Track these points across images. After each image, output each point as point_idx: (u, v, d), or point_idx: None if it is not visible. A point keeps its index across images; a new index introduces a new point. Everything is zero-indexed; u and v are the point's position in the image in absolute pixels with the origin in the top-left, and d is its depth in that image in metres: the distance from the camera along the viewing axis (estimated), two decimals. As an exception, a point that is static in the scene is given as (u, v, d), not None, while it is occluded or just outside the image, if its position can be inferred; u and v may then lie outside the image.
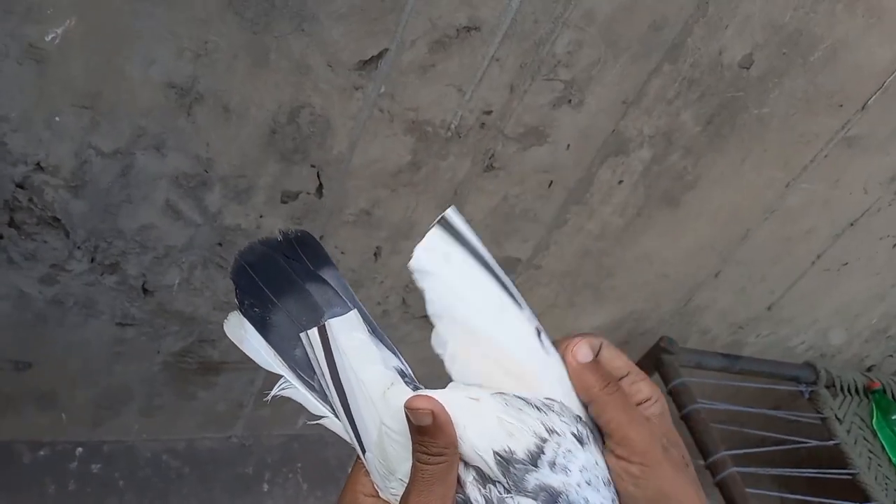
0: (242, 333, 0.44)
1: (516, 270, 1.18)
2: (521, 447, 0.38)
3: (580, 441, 0.39)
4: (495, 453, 0.38)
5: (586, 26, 0.85)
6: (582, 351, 0.40)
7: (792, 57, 0.98)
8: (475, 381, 0.40)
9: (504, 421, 0.39)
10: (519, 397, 0.39)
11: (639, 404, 0.41)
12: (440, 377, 0.44)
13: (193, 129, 0.82)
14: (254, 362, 1.24)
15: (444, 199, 1.01)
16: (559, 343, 0.41)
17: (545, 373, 0.41)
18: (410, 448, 0.38)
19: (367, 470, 0.41)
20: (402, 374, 0.43)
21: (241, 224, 0.94)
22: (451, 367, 0.40)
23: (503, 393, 0.40)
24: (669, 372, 1.33)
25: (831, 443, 1.41)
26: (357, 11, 0.76)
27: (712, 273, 1.34)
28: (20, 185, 0.81)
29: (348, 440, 0.42)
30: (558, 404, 0.40)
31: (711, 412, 1.29)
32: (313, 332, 0.42)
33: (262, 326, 0.43)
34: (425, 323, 1.28)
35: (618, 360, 0.42)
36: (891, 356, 1.77)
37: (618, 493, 0.38)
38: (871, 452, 1.42)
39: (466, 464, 0.39)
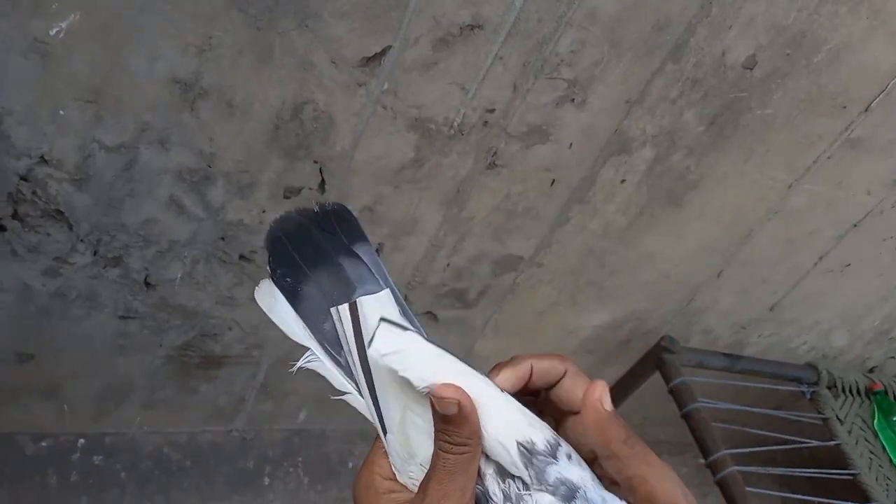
0: (272, 302, 0.43)
1: (518, 268, 1.18)
2: (541, 439, 0.38)
3: None
4: (518, 444, 0.37)
5: (590, 26, 0.85)
6: (608, 398, 0.37)
7: (795, 58, 0.97)
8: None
9: (526, 412, 0.39)
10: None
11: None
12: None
13: (197, 125, 0.82)
14: (254, 357, 1.24)
15: (447, 197, 1.01)
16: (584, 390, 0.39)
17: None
18: (432, 434, 0.37)
19: (385, 451, 0.41)
20: None
21: (243, 219, 0.94)
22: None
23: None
24: (670, 371, 1.33)
25: (832, 443, 1.41)
26: (360, 8, 0.77)
27: (715, 273, 1.34)
28: (24, 178, 0.81)
29: (370, 419, 0.42)
30: None
31: (713, 412, 1.30)
32: (344, 308, 0.41)
33: (293, 297, 0.43)
34: (427, 320, 1.28)
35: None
36: (893, 358, 1.77)
37: None
38: (872, 453, 1.43)
39: (487, 457, 0.38)
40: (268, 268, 0.43)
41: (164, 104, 0.79)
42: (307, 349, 0.43)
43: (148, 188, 0.87)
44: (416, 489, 0.39)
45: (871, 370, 1.75)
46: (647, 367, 1.40)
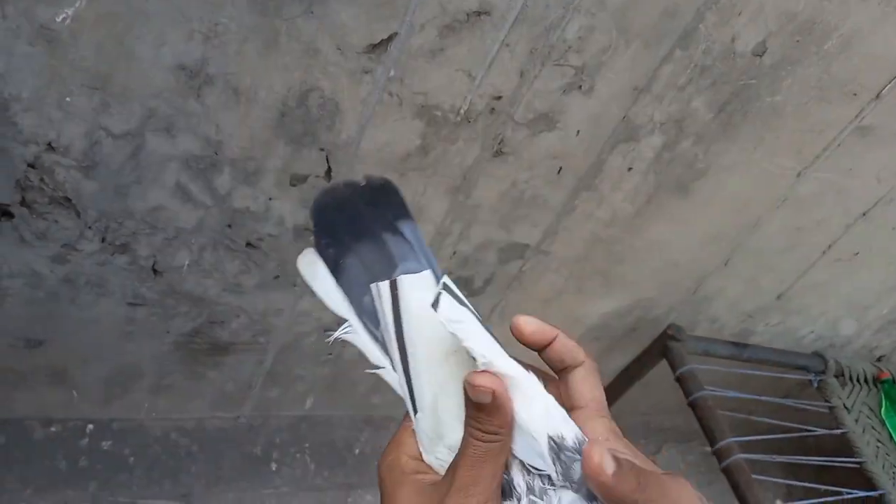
0: (314, 271, 0.44)
1: (524, 256, 1.18)
2: (571, 435, 0.38)
3: None
4: (550, 438, 0.37)
5: (598, 12, 0.85)
6: (608, 460, 0.34)
7: (806, 45, 0.96)
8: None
9: (559, 407, 0.39)
10: None
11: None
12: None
13: (203, 112, 0.82)
14: (261, 343, 1.24)
15: (453, 184, 1.01)
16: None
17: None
18: (463, 418, 0.37)
19: (413, 431, 0.41)
20: None
21: (250, 206, 0.94)
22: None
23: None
24: (676, 359, 1.33)
25: (839, 431, 1.41)
26: (367, -6, 0.76)
27: (722, 261, 1.33)
28: (31, 165, 0.81)
29: (401, 396, 0.42)
30: None
31: (719, 400, 1.30)
32: (384, 286, 0.41)
33: (335, 268, 0.43)
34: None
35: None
36: (901, 347, 1.77)
37: None
38: (878, 441, 1.42)
39: (514, 447, 0.38)
40: (312, 237, 0.44)
41: (170, 91, 0.79)
42: (345, 321, 0.43)
43: (154, 175, 0.87)
44: (441, 471, 0.39)
45: (878, 359, 1.74)
46: (654, 355, 1.40)
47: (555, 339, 0.41)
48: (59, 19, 0.69)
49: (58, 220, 0.88)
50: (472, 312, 0.39)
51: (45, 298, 0.97)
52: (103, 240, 0.92)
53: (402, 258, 0.43)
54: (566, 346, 0.42)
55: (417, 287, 0.42)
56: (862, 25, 0.96)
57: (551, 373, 0.42)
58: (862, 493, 1.35)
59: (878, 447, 1.42)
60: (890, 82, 1.05)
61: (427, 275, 0.42)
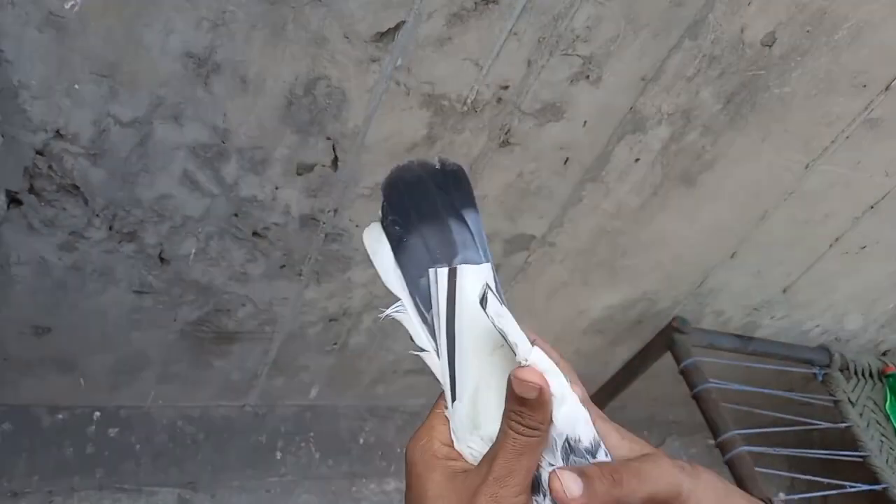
0: (377, 246, 0.44)
1: (530, 247, 1.18)
2: (587, 437, 0.39)
3: None
4: (566, 439, 0.38)
5: (606, 1, 0.84)
6: (571, 484, 0.36)
7: (815, 35, 0.96)
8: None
9: (582, 407, 0.39)
10: None
11: None
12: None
13: (211, 100, 0.82)
14: (267, 333, 1.24)
15: (460, 175, 1.01)
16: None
17: None
18: (502, 411, 0.38)
19: (445, 418, 0.41)
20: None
21: (256, 195, 0.95)
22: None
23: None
24: (681, 351, 1.33)
25: (843, 425, 1.41)
26: (375, -17, 0.76)
27: (728, 254, 1.33)
28: (40, 153, 0.82)
29: (441, 381, 0.42)
30: None
31: (723, 393, 1.30)
32: (443, 272, 0.42)
33: (397, 245, 0.43)
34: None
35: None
36: (907, 341, 1.76)
37: None
38: (883, 436, 1.42)
39: None
40: (380, 211, 0.44)
41: (178, 79, 0.79)
42: (397, 299, 0.43)
43: (162, 163, 0.87)
44: (471, 460, 0.40)
45: (884, 353, 1.74)
46: (658, 348, 1.40)
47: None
48: (67, 6, 0.70)
49: (66, 208, 0.88)
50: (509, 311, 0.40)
51: (53, 286, 0.98)
52: (111, 228, 0.93)
53: (463, 246, 0.43)
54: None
55: (476, 278, 0.42)
56: (872, 16, 0.95)
57: (574, 374, 0.42)
58: (865, 487, 1.35)
59: (882, 441, 1.42)
60: (900, 74, 1.04)
61: (487, 268, 0.43)
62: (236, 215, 0.97)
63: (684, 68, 0.95)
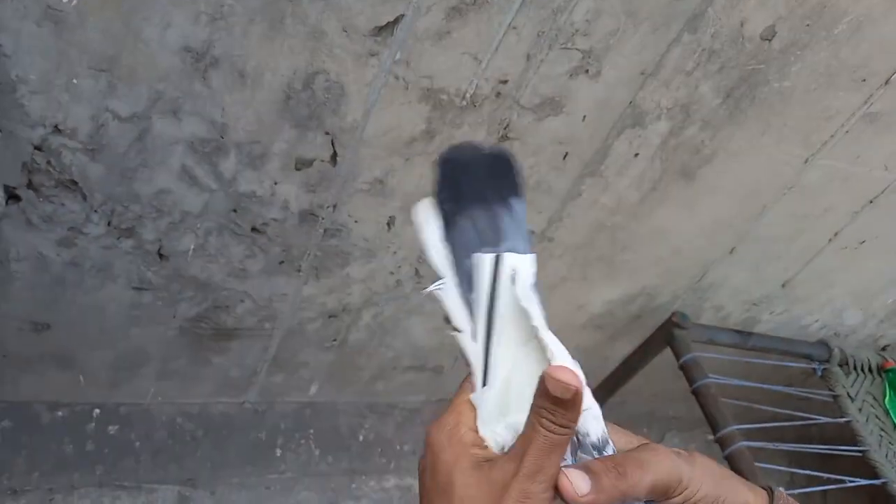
0: (426, 222, 0.44)
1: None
2: (596, 433, 0.39)
3: None
4: (576, 432, 0.39)
5: (605, -6, 0.84)
6: (579, 481, 0.37)
7: (815, 29, 0.96)
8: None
9: (595, 402, 0.40)
10: None
11: None
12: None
13: (209, 94, 0.82)
14: (266, 329, 1.24)
15: (459, 169, 1.01)
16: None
17: None
18: (530, 403, 0.38)
19: (471, 404, 0.41)
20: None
21: (255, 191, 0.94)
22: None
23: None
24: (681, 347, 1.33)
25: (842, 420, 1.41)
26: (373, -24, 0.76)
27: (727, 249, 1.33)
28: (38, 148, 0.81)
29: (472, 365, 0.42)
30: None
31: (723, 388, 1.30)
32: (489, 257, 0.42)
33: (447, 224, 0.44)
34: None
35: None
36: (906, 336, 1.76)
37: None
38: (882, 430, 1.42)
39: None
40: (433, 187, 0.44)
41: (177, 73, 0.79)
42: (440, 277, 0.44)
43: (160, 158, 0.87)
44: (495, 446, 0.40)
45: (883, 348, 1.74)
46: (658, 343, 1.40)
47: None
48: (65, 0, 0.69)
49: (64, 204, 0.88)
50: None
51: (52, 282, 0.97)
52: (109, 223, 0.92)
53: (508, 235, 0.43)
54: None
55: (519, 268, 0.42)
56: (872, 10, 0.95)
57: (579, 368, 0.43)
58: (865, 482, 1.35)
59: (881, 436, 1.42)
60: (899, 66, 1.04)
61: (531, 259, 0.43)
62: (235, 211, 0.96)
63: (684, 62, 0.95)
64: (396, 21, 0.80)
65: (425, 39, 0.83)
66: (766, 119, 1.07)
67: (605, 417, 0.41)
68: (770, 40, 0.95)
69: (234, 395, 1.33)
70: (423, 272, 1.17)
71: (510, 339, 0.41)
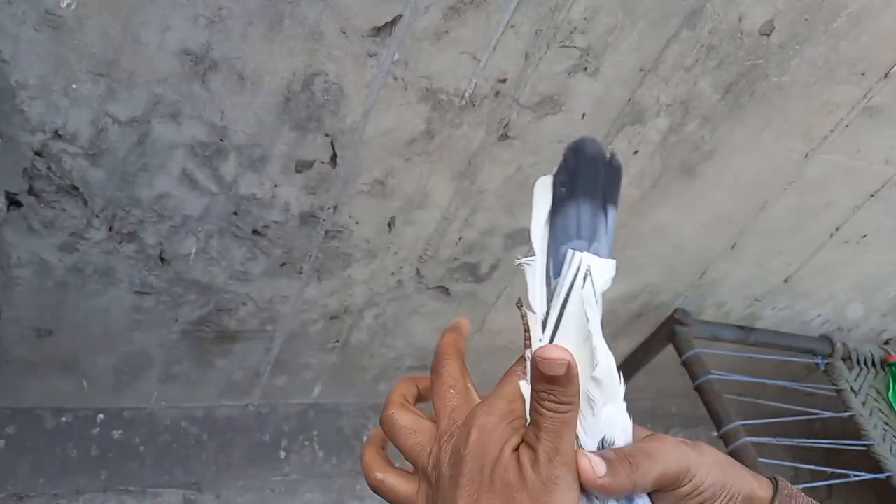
0: (541, 198, 0.46)
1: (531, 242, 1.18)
2: (622, 441, 0.40)
3: None
4: (601, 440, 0.40)
5: (603, -8, 0.84)
6: (598, 464, 0.38)
7: (814, 24, 0.96)
8: None
9: (625, 413, 0.41)
10: None
11: None
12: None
13: (208, 97, 0.82)
14: (268, 331, 1.23)
15: (458, 169, 1.01)
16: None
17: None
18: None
19: (522, 391, 0.42)
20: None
21: (256, 193, 0.94)
22: None
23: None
24: (683, 344, 1.33)
25: (846, 415, 1.41)
26: (371, -23, 0.76)
27: (728, 245, 1.33)
28: (39, 153, 0.81)
29: (534, 350, 0.43)
30: None
31: (726, 384, 1.30)
32: (578, 254, 0.43)
33: (557, 207, 0.45)
34: (439, 294, 1.28)
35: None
36: (909, 330, 1.76)
37: None
38: (886, 424, 1.42)
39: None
40: (558, 168, 0.46)
41: (176, 76, 0.79)
42: (533, 254, 0.45)
43: (161, 162, 0.87)
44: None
45: (886, 342, 1.74)
46: (660, 340, 1.40)
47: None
48: (64, 4, 0.69)
49: (65, 209, 0.88)
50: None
51: (54, 287, 0.97)
52: (110, 228, 0.92)
53: (599, 237, 0.45)
54: None
55: (599, 272, 0.43)
56: (871, 3, 0.95)
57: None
58: (869, 476, 1.35)
59: (885, 430, 1.41)
60: (898, 60, 1.04)
61: (612, 265, 0.44)
62: (236, 214, 0.96)
63: (682, 59, 0.95)
64: (394, 21, 0.80)
65: (423, 39, 0.83)
66: (766, 114, 1.07)
67: None
68: (769, 35, 0.95)
69: (237, 397, 1.33)
70: (424, 272, 1.17)
71: (570, 337, 0.42)
